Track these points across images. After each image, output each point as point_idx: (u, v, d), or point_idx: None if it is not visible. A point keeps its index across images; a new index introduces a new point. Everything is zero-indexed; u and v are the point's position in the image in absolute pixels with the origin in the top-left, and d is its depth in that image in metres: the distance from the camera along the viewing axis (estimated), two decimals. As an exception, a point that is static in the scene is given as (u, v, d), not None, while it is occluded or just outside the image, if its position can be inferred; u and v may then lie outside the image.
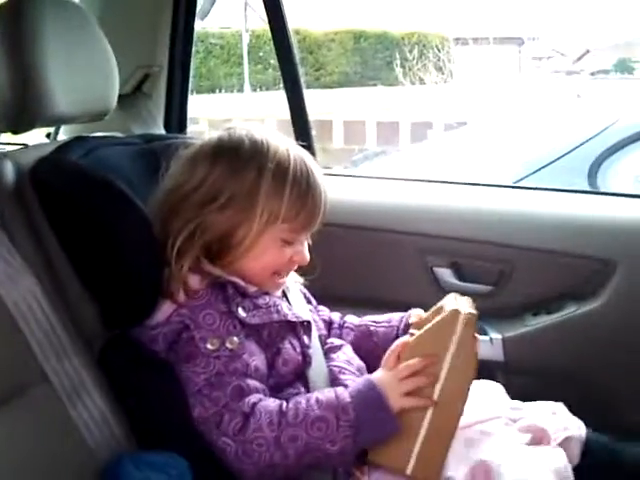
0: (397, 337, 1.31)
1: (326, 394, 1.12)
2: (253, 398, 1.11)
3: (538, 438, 1.20)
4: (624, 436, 1.36)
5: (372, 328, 1.37)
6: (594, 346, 1.62)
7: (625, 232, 1.62)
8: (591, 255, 1.64)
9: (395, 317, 1.36)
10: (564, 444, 1.21)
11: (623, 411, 1.60)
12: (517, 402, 1.32)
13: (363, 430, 1.09)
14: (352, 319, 1.40)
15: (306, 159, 1.23)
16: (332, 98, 9.88)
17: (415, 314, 1.31)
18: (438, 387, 1.11)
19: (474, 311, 1.14)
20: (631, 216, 1.60)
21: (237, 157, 1.20)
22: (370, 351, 1.32)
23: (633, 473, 1.29)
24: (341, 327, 1.38)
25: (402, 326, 1.34)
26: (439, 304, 1.22)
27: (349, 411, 1.09)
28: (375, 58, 11.71)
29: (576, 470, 1.18)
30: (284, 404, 1.11)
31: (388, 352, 1.16)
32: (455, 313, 1.12)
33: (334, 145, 7.09)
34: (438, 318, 1.14)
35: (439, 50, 9.65)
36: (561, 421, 1.25)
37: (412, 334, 1.18)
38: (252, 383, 1.13)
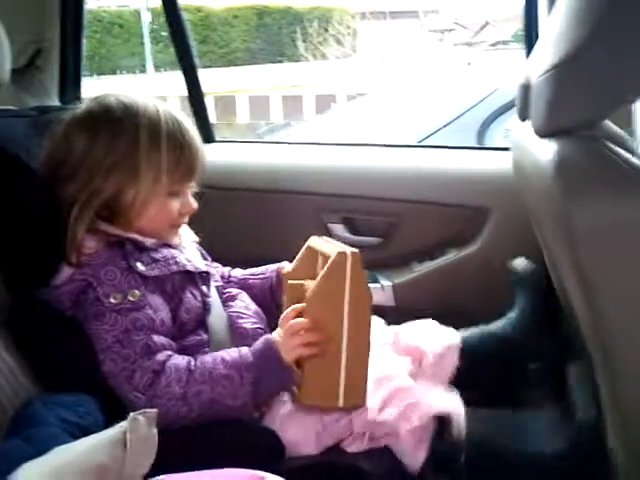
0: (271, 287, 1.43)
1: (231, 354, 1.21)
2: (162, 356, 1.19)
3: (419, 357, 1.35)
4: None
5: (250, 281, 1.47)
6: (473, 286, 1.75)
7: (496, 181, 1.75)
8: (467, 204, 1.77)
9: (270, 268, 1.47)
10: (443, 357, 1.35)
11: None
12: (393, 327, 1.44)
13: (262, 386, 1.19)
14: (236, 272, 1.50)
15: (175, 113, 1.31)
16: (237, 75, 9.87)
17: (287, 265, 1.42)
18: (345, 326, 1.20)
19: (355, 249, 1.23)
20: (500, 167, 1.72)
21: (111, 123, 1.26)
22: (253, 301, 1.42)
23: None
24: (228, 281, 1.47)
25: (274, 277, 1.45)
26: (304, 250, 1.34)
27: (251, 370, 1.18)
28: (279, 34, 11.69)
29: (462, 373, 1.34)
30: (192, 362, 1.19)
31: (285, 313, 1.24)
32: (342, 255, 1.20)
33: (240, 120, 7.13)
34: (328, 263, 1.21)
35: (339, 24, 9.73)
36: (435, 335, 1.40)
37: (290, 285, 1.26)
38: (159, 340, 1.20)
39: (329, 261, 1.21)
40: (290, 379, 1.21)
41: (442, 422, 1.24)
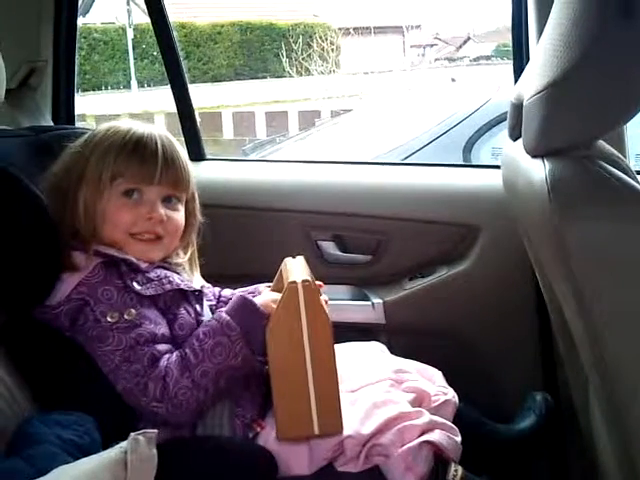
0: None
1: (209, 324, 1.26)
2: (163, 361, 1.22)
3: (420, 398, 1.35)
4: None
5: None
6: (463, 303, 1.78)
7: (486, 199, 1.77)
8: (458, 222, 1.79)
9: (260, 287, 1.48)
10: (442, 406, 1.36)
11: (487, 358, 1.77)
12: (400, 362, 1.46)
13: (251, 334, 1.24)
14: (226, 292, 1.51)
15: (160, 133, 1.34)
16: (221, 91, 9.90)
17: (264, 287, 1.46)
18: (307, 355, 1.22)
19: (308, 277, 1.25)
20: (490, 185, 1.75)
21: (89, 146, 1.32)
22: None
23: (494, 447, 1.48)
24: (218, 300, 1.48)
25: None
26: (278, 274, 1.39)
27: (233, 326, 1.23)
28: (262, 50, 11.75)
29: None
30: (181, 351, 1.23)
31: None
32: (293, 286, 1.23)
33: (225, 136, 7.14)
34: (282, 296, 1.24)
35: (322, 40, 9.77)
36: (439, 387, 1.41)
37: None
38: (162, 347, 1.23)
39: (282, 293, 1.24)
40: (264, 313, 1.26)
41: (439, 460, 1.24)
